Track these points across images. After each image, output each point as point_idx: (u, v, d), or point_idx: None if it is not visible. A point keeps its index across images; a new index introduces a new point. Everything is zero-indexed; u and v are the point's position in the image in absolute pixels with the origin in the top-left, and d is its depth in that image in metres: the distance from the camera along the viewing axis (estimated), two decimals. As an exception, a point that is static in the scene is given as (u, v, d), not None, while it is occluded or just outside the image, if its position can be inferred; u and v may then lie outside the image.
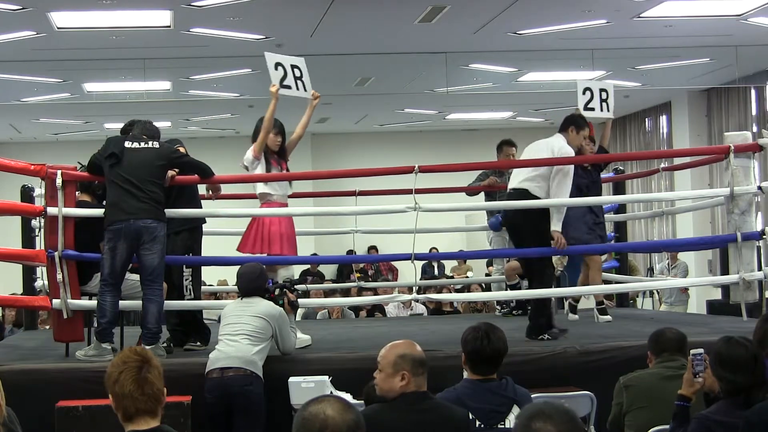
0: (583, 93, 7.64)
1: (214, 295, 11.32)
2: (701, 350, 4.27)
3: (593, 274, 7.97)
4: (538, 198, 6.78)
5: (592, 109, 7.68)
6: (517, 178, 6.96)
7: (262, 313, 5.82)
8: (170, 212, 6.46)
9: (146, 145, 6.34)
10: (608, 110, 7.79)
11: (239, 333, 5.73)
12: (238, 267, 6.17)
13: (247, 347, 5.67)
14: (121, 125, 6.86)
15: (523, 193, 6.82)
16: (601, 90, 7.72)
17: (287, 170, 7.07)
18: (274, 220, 6.81)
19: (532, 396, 4.48)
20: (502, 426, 4.21)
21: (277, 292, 6.09)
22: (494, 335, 4.34)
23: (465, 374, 4.45)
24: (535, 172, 6.81)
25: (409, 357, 3.95)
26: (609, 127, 8.18)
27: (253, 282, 6.00)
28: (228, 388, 5.59)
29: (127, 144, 6.33)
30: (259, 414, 5.65)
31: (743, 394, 3.97)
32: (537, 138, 7.20)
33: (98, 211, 6.43)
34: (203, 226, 7.01)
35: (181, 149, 6.74)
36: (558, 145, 6.91)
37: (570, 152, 6.90)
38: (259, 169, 6.86)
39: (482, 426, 4.19)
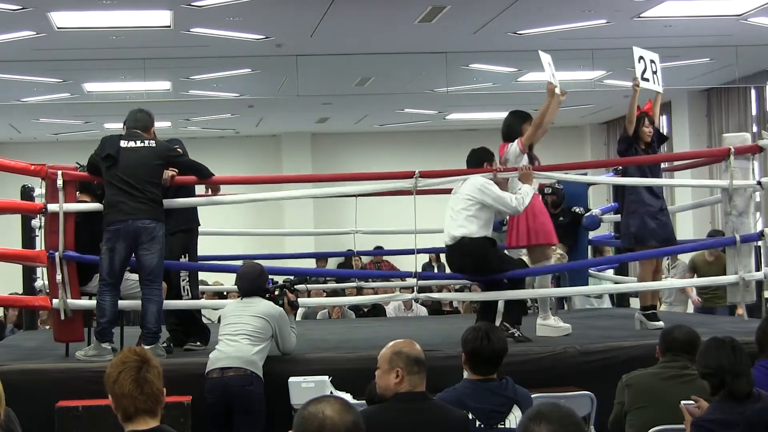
0: (639, 61, 7.15)
1: (218, 295, 11.32)
2: (691, 402, 4.31)
3: (642, 271, 7.51)
4: (480, 243, 6.53)
5: (647, 80, 7.17)
6: (450, 228, 6.61)
7: (262, 313, 5.82)
8: (169, 203, 6.46)
9: (143, 144, 6.34)
10: (657, 83, 7.28)
11: (239, 333, 5.73)
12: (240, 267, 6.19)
13: (247, 347, 5.68)
14: (120, 125, 6.86)
15: (463, 243, 6.54)
16: (651, 60, 7.22)
17: (539, 163, 7.09)
18: (542, 209, 6.88)
19: (532, 396, 4.48)
20: (502, 426, 4.21)
21: (277, 292, 6.09)
22: (494, 335, 4.35)
23: (465, 374, 4.45)
24: (468, 212, 6.54)
25: (405, 354, 3.95)
26: (658, 104, 7.54)
27: (253, 282, 6.00)
28: (228, 388, 5.59)
29: (123, 143, 6.32)
30: (259, 414, 5.65)
31: (728, 385, 4.00)
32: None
33: (98, 206, 6.43)
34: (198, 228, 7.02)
35: (179, 149, 6.73)
36: (480, 180, 6.65)
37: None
38: (521, 163, 6.89)
39: (482, 426, 4.19)
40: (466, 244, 6.55)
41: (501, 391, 4.28)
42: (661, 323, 7.16)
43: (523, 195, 6.62)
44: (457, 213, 6.61)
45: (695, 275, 10.50)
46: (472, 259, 6.63)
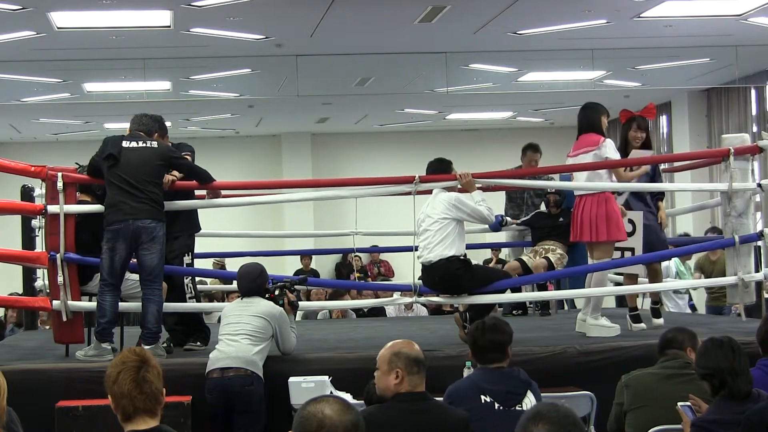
0: None
1: (209, 297, 11.30)
2: (687, 403, 4.32)
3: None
4: (452, 267, 6.51)
5: None
6: (423, 251, 6.63)
7: (262, 312, 5.82)
8: (169, 205, 6.45)
9: (144, 144, 6.34)
10: None
11: (239, 333, 5.73)
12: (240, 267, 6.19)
13: (247, 347, 5.68)
14: (120, 125, 6.86)
15: (437, 266, 6.54)
16: None
17: None
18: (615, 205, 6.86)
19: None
20: (520, 408, 4.24)
21: (277, 292, 6.10)
22: (491, 326, 4.49)
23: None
24: (442, 234, 6.51)
25: (404, 355, 3.97)
26: None
27: (253, 282, 6.01)
28: (228, 388, 5.59)
29: (125, 144, 6.32)
30: (259, 414, 5.65)
31: (728, 385, 4.01)
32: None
33: (98, 207, 6.44)
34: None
35: (188, 156, 6.72)
36: (452, 195, 6.65)
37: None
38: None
39: (501, 408, 4.24)
40: (441, 266, 6.54)
41: (514, 375, 4.40)
42: (642, 325, 7.15)
43: (486, 203, 6.66)
44: (433, 236, 6.56)
45: (702, 276, 10.49)
46: (442, 281, 6.64)
